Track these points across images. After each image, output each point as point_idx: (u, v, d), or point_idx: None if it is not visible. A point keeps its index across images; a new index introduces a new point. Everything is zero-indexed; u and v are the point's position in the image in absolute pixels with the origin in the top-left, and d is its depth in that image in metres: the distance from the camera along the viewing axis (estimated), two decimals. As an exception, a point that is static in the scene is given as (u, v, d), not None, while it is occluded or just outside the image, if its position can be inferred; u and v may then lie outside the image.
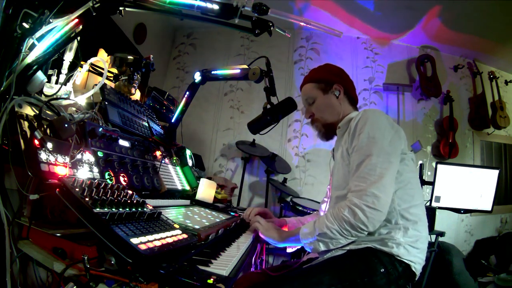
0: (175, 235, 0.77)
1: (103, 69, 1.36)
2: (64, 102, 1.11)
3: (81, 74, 1.39)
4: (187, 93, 1.56)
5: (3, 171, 0.81)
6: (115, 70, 1.56)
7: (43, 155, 0.76)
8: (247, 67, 1.38)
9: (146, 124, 1.53)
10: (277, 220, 1.42)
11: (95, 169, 0.93)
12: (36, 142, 0.77)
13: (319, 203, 2.68)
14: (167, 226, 0.80)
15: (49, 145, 0.79)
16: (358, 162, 1.02)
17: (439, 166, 2.50)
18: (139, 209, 0.77)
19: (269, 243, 1.18)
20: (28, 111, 0.87)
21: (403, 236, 1.00)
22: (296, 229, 1.12)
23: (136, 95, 1.90)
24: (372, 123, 1.05)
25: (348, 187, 1.03)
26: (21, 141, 0.79)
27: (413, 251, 1.00)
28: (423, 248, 1.04)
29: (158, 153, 1.40)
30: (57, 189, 0.68)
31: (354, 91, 1.33)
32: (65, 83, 1.22)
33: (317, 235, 1.01)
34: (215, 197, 1.73)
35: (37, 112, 0.88)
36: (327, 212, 1.05)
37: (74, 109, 1.12)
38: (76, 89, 1.34)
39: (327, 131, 1.29)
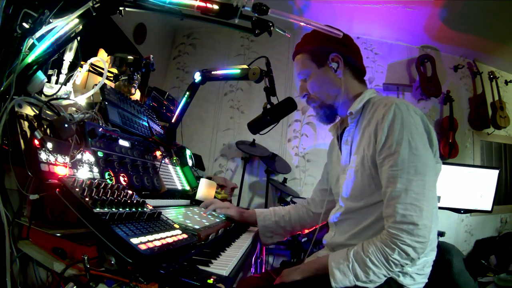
0: (175, 235, 0.76)
1: (103, 69, 1.36)
2: (64, 102, 1.11)
3: (81, 74, 1.39)
4: (187, 93, 1.56)
5: (3, 171, 0.81)
6: (115, 70, 1.56)
7: (43, 155, 0.76)
8: (247, 67, 1.38)
9: (146, 124, 1.53)
10: (242, 210, 1.33)
11: (95, 169, 0.93)
12: (36, 142, 0.77)
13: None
14: (167, 226, 0.80)
15: (49, 145, 0.79)
16: (402, 182, 0.83)
17: (439, 166, 2.50)
18: (139, 209, 0.77)
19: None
20: (28, 111, 0.87)
21: (412, 265, 0.89)
22: (322, 263, 0.91)
23: (136, 95, 1.90)
24: (411, 129, 0.85)
25: (388, 212, 0.85)
26: (21, 141, 0.79)
27: (418, 278, 0.91)
28: (428, 272, 0.95)
29: (158, 153, 1.40)
30: (57, 189, 0.68)
31: (359, 60, 1.08)
32: (65, 83, 1.22)
33: (361, 281, 0.84)
34: (215, 197, 1.73)
35: (37, 112, 0.88)
36: (366, 250, 0.85)
37: (74, 109, 1.12)
38: (76, 89, 1.33)
39: (327, 113, 1.08)
